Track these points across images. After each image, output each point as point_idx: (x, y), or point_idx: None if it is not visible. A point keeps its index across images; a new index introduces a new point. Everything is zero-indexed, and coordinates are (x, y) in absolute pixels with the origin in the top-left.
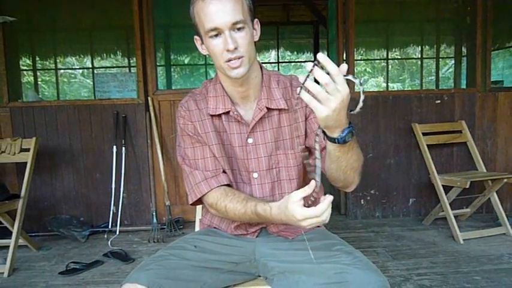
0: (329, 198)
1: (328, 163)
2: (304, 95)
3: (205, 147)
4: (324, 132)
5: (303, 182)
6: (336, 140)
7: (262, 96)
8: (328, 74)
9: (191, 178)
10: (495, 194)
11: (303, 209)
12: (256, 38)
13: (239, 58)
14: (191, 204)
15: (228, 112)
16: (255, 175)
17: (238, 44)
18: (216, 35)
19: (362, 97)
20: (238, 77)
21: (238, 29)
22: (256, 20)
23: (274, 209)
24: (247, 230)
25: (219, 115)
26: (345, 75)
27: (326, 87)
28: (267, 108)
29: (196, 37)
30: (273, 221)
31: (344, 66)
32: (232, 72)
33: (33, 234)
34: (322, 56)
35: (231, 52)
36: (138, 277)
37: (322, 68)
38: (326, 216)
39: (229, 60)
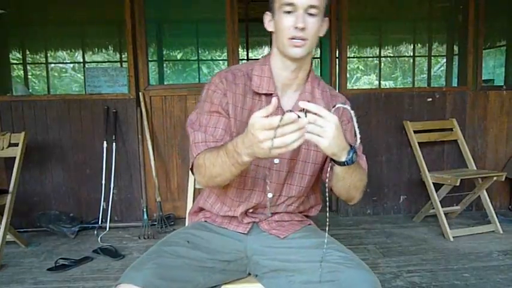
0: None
1: (334, 182)
2: (306, 135)
3: (222, 118)
4: (333, 160)
5: (315, 182)
6: (345, 163)
7: (306, 90)
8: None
9: (191, 138)
10: (485, 191)
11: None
12: (321, 34)
13: (303, 39)
14: (191, 169)
15: (269, 94)
16: (276, 160)
17: (307, 26)
18: (289, 12)
19: (358, 131)
20: (296, 56)
21: (311, 14)
22: (326, 18)
23: (240, 136)
24: (242, 221)
25: (259, 95)
26: (333, 106)
27: (316, 123)
28: (308, 102)
29: (267, 13)
30: (237, 150)
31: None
32: (292, 50)
33: (22, 230)
34: (302, 102)
35: (298, 30)
36: (134, 277)
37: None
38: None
39: (293, 38)
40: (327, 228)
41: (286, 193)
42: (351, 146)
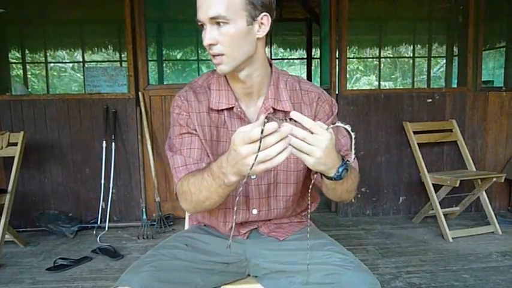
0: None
1: (324, 190)
2: (292, 150)
3: (195, 137)
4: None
5: (302, 187)
6: (333, 179)
7: (269, 95)
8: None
9: (171, 163)
10: (484, 192)
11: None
12: (260, 35)
13: (220, 55)
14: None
15: (231, 108)
16: (253, 176)
17: (217, 40)
18: (202, 26)
19: (353, 150)
20: (221, 73)
21: (221, 24)
22: (263, 14)
23: (224, 154)
24: (238, 232)
25: (222, 110)
26: (333, 124)
27: (305, 141)
28: (273, 109)
29: None
30: (222, 170)
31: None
32: (217, 68)
33: (21, 229)
34: (295, 114)
35: (208, 47)
36: (130, 280)
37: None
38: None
39: (212, 55)
40: (308, 231)
41: (275, 206)
42: (343, 158)
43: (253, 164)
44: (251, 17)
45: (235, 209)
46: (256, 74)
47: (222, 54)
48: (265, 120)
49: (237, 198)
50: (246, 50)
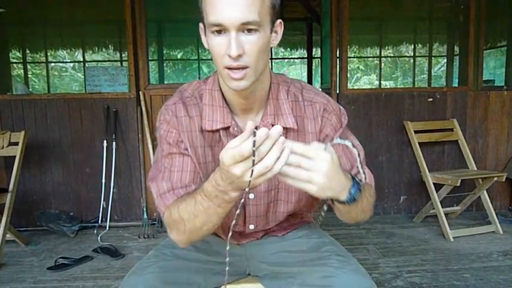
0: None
1: (338, 214)
2: (288, 181)
3: (187, 158)
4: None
5: (303, 206)
6: (346, 202)
7: (268, 111)
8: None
9: (155, 191)
10: (485, 192)
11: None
12: (275, 44)
13: (243, 68)
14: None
15: (227, 128)
16: (251, 196)
17: (244, 50)
18: (220, 32)
19: (361, 170)
20: (238, 89)
21: (249, 31)
22: (279, 21)
23: (216, 173)
24: (238, 241)
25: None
26: (331, 142)
27: (302, 167)
28: (273, 126)
29: (200, 24)
30: (220, 189)
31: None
32: (232, 84)
33: (22, 229)
34: (284, 140)
35: (233, 59)
36: (135, 282)
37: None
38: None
39: (230, 68)
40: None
41: (274, 219)
42: (353, 178)
43: (249, 182)
44: (272, 23)
45: (232, 223)
46: (260, 88)
47: (247, 67)
48: (255, 130)
49: (237, 211)
50: (264, 61)
